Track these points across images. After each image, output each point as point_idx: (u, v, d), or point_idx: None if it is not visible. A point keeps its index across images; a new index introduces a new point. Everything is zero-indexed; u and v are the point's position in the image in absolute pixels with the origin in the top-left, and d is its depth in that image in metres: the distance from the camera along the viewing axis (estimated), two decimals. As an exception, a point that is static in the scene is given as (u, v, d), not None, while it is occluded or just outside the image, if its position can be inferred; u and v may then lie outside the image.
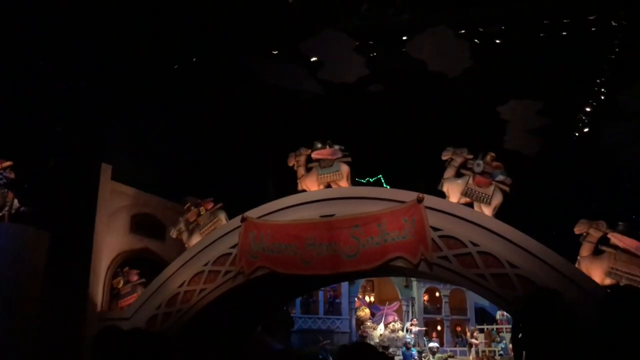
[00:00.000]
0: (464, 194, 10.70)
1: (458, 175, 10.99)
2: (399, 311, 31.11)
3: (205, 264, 12.90)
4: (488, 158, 10.88)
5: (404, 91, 21.83)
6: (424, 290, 32.66)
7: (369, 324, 29.66)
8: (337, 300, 30.32)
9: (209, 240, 13.02)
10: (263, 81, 19.32)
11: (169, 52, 17.11)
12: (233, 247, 12.70)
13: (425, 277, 12.90)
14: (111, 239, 14.43)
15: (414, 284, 32.19)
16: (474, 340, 28.54)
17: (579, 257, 10.23)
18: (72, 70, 14.54)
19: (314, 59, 21.30)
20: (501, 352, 29.18)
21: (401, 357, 26.04)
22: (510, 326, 30.53)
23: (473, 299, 33.62)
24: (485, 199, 10.54)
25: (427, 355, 26.85)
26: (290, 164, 12.86)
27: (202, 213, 13.48)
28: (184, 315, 12.83)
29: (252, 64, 19.47)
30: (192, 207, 13.62)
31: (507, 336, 29.63)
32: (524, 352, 7.36)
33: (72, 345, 12.85)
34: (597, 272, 9.87)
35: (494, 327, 30.66)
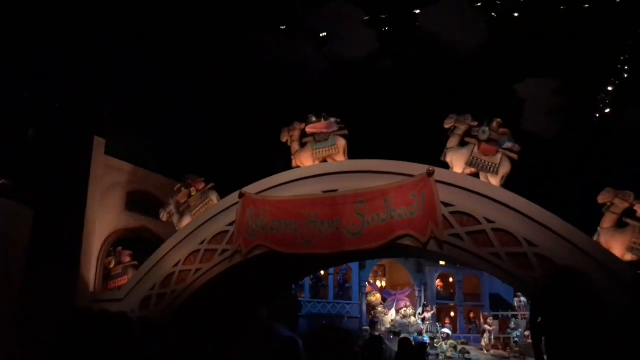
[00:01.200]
0: (469, 163, 10.01)
1: (462, 144, 10.27)
2: (411, 297, 30.46)
3: (202, 243, 12.18)
4: (494, 124, 10.12)
5: (415, 68, 20.87)
6: (437, 275, 31.93)
7: (380, 309, 29.08)
8: (348, 285, 29.73)
9: (205, 218, 12.28)
10: (269, 54, 18.39)
11: (169, 21, 16.25)
12: (230, 224, 11.95)
13: (435, 257, 12.03)
14: (105, 217, 13.73)
15: (427, 269, 31.46)
16: (487, 327, 27.65)
17: (598, 229, 9.33)
18: (63, 35, 13.73)
19: (322, 33, 20.37)
20: (516, 339, 28.32)
21: (413, 344, 25.22)
22: (526, 313, 29.85)
23: (488, 285, 32.84)
24: (492, 168, 9.83)
25: (439, 342, 26.05)
26: (284, 140, 12.07)
27: (193, 194, 12.78)
28: (179, 296, 12.15)
29: (258, 37, 18.61)
30: (183, 188, 12.93)
31: (523, 323, 28.81)
32: (543, 338, 6.51)
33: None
34: (618, 246, 9.00)
35: (510, 313, 29.84)
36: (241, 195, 11.89)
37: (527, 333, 27.90)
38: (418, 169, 10.41)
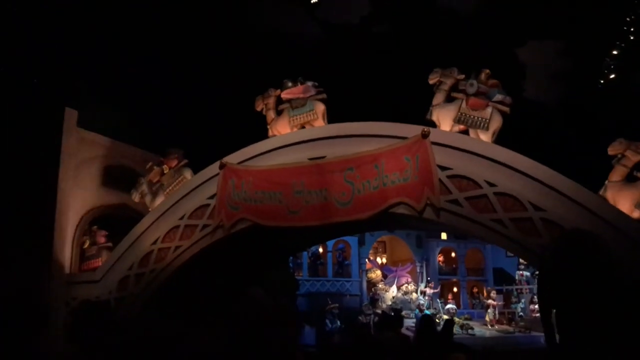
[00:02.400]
0: (457, 120, 9.26)
1: (449, 100, 9.49)
2: (412, 272, 29.73)
3: (181, 218, 11.36)
4: (482, 76, 9.32)
5: (410, 31, 19.80)
6: (438, 250, 31.17)
7: (380, 286, 28.36)
8: (347, 262, 28.97)
9: (185, 191, 11.43)
10: (253, 18, 17.33)
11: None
12: (211, 197, 11.12)
13: (432, 226, 11.19)
14: (80, 193, 12.89)
15: (428, 244, 30.71)
16: (491, 302, 26.99)
17: (606, 182, 8.55)
18: (31, 2, 12.72)
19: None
20: (521, 313, 27.72)
21: (414, 320, 24.55)
22: (530, 287, 29.24)
23: (491, 259, 32.11)
24: (482, 124, 9.11)
25: (441, 317, 25.36)
26: (258, 109, 11.23)
27: (165, 172, 11.98)
28: (158, 276, 11.39)
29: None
30: (155, 167, 12.12)
31: (527, 297, 28.19)
32: (552, 310, 5.65)
33: (38, 309, 11.42)
34: (626, 202, 8.23)
35: (514, 287, 29.20)
36: (222, 166, 11.03)
37: (532, 307, 27.33)
38: (412, 130, 9.51)
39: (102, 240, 12.44)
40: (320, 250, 28.53)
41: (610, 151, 8.57)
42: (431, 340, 7.83)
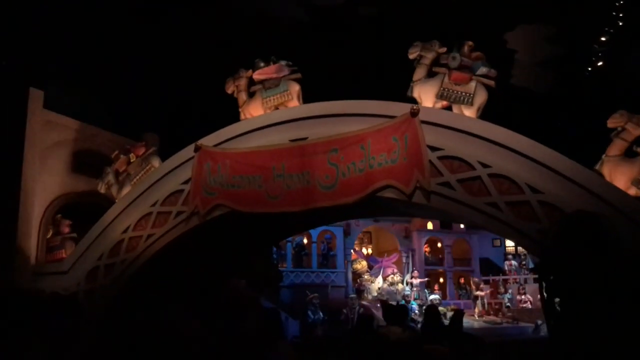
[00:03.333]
0: (440, 96, 8.75)
1: (431, 75, 8.96)
2: (398, 263, 29.29)
3: (153, 205, 10.66)
4: (465, 49, 8.81)
5: (396, 14, 19.14)
6: (425, 240, 30.76)
7: (366, 277, 27.91)
8: (332, 253, 28.46)
9: (157, 176, 10.72)
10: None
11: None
12: (185, 182, 10.44)
13: (420, 213, 10.56)
14: (47, 180, 12.12)
15: (414, 234, 30.28)
16: (479, 292, 26.57)
17: (603, 157, 8.04)
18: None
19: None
20: (508, 304, 27.34)
21: (401, 311, 24.03)
22: (518, 277, 28.91)
23: (478, 249, 31.78)
24: (466, 99, 8.60)
25: (428, 309, 24.86)
26: (229, 91, 10.57)
27: (132, 160, 11.30)
28: (130, 266, 10.69)
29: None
30: (121, 155, 11.45)
31: (514, 287, 27.83)
32: (555, 300, 5.10)
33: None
34: (622, 178, 7.74)
35: (500, 277, 28.84)
36: (197, 149, 10.32)
37: (519, 297, 27.00)
38: (400, 108, 8.87)
39: (66, 230, 11.69)
40: (305, 241, 28.01)
41: (610, 123, 8.01)
42: (439, 331, 7.39)
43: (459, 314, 8.80)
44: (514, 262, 29.57)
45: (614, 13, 25.07)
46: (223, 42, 17.24)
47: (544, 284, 5.60)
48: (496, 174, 8.10)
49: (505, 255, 31.61)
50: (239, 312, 14.91)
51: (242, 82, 10.42)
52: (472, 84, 8.61)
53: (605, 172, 7.86)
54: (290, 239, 26.54)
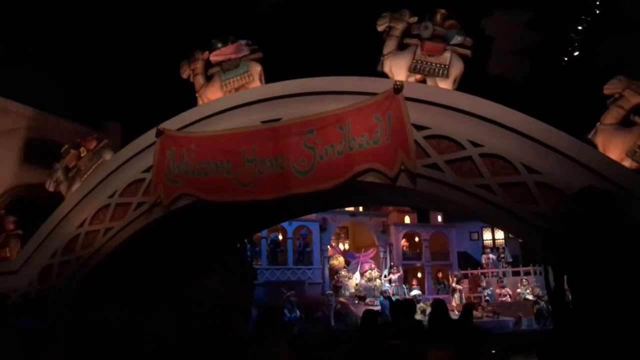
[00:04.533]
0: (413, 69, 8.20)
1: (402, 47, 8.41)
2: (375, 258, 28.60)
3: (112, 196, 9.78)
4: (438, 17, 8.31)
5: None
6: (402, 235, 30.09)
7: (343, 273, 27.09)
8: (308, 249, 27.61)
9: (116, 164, 9.78)
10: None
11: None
12: (147, 170, 9.58)
13: (404, 200, 9.76)
14: (-5, 171, 11.01)
15: (392, 228, 29.63)
16: (457, 286, 26.06)
17: (597, 125, 7.42)
18: None
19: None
20: (487, 298, 26.89)
21: (379, 307, 23.37)
22: (496, 270, 28.54)
23: (455, 243, 31.32)
24: (441, 71, 8.08)
25: (408, 305, 24.23)
26: (185, 76, 9.89)
27: (83, 155, 10.45)
28: (87, 263, 9.79)
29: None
30: (71, 149, 10.58)
31: (493, 281, 27.42)
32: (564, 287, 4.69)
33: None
34: (616, 148, 7.17)
35: (479, 271, 28.42)
36: (159, 133, 9.43)
37: (498, 291, 26.61)
38: (381, 84, 8.14)
39: (10, 227, 10.69)
40: (280, 237, 27.13)
41: (607, 90, 7.45)
42: (447, 326, 6.90)
43: (469, 308, 8.27)
44: (491, 256, 29.24)
45: (588, 6, 24.75)
46: (193, 26, 16.27)
47: (550, 270, 5.05)
48: (488, 153, 7.45)
49: (483, 249, 31.21)
50: (219, 312, 14.10)
51: (199, 65, 9.77)
52: (447, 54, 8.11)
53: (599, 142, 7.31)
54: (264, 234, 25.70)
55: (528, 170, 7.18)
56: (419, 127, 7.80)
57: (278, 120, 8.72)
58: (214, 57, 9.60)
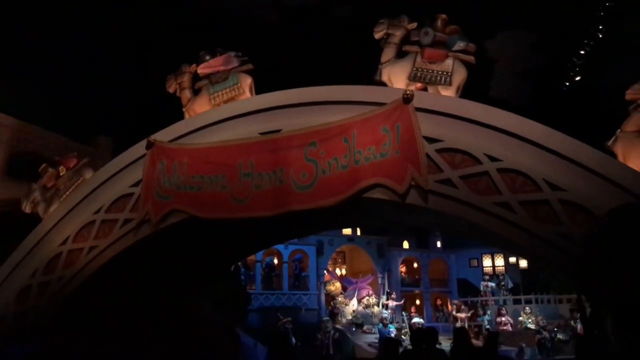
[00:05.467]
0: (413, 77, 7.80)
1: (401, 55, 8.01)
2: (373, 284, 27.86)
3: (97, 212, 9.18)
4: (438, 23, 7.93)
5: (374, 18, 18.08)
6: (401, 260, 29.39)
7: (340, 299, 26.30)
8: (304, 274, 26.92)
9: (102, 178, 9.15)
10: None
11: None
12: (135, 184, 8.97)
13: (413, 219, 9.06)
14: (-26, 185, 10.36)
15: (390, 253, 28.96)
16: (460, 315, 25.30)
17: (617, 132, 6.94)
18: None
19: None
20: (487, 326, 26.12)
21: (377, 335, 22.54)
22: (495, 298, 27.78)
23: (455, 269, 30.65)
24: (443, 78, 7.70)
25: (406, 332, 23.43)
26: (171, 90, 9.48)
27: (62, 174, 9.91)
28: (69, 284, 9.14)
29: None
30: (49, 168, 10.03)
31: (493, 309, 26.65)
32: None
33: None
34: (639, 156, 6.65)
35: (479, 299, 27.69)
36: (149, 145, 8.83)
37: (498, 319, 25.85)
38: (390, 93, 7.61)
39: (-17, 244, 10.01)
40: (275, 261, 26.46)
41: (629, 95, 6.99)
42: (472, 356, 6.57)
43: (494, 337, 7.78)
44: (490, 284, 28.52)
45: (592, 30, 24.51)
46: (189, 41, 15.81)
47: (583, 299, 4.36)
48: (507, 168, 6.90)
49: (483, 276, 30.54)
50: (211, 339, 13.35)
51: (186, 78, 9.36)
52: (449, 61, 7.73)
53: (619, 150, 6.83)
54: (259, 258, 24.99)
55: (551, 187, 6.60)
56: (431, 140, 7.27)
57: (278, 131, 8.17)
58: (202, 70, 9.21)
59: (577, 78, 26.77)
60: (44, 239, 9.30)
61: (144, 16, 14.46)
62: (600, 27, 24.50)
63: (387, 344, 6.56)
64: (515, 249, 7.29)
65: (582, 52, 25.63)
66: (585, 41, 24.91)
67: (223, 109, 8.62)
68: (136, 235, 8.71)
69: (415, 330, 6.77)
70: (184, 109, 9.34)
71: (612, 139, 6.94)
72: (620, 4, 22.22)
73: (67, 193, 9.58)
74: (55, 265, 9.15)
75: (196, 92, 9.33)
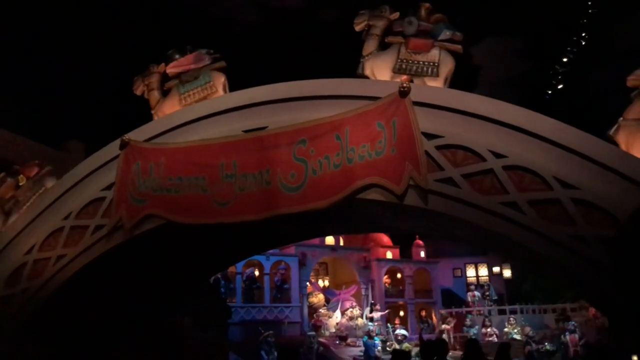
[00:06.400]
0: (398, 69, 7.49)
1: (384, 47, 7.70)
2: (357, 296, 27.13)
3: (66, 218, 8.55)
4: (422, 11, 7.67)
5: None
6: (385, 270, 28.76)
7: (323, 311, 25.57)
8: (286, 286, 26.06)
9: (72, 181, 8.43)
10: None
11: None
12: (107, 188, 8.31)
13: (409, 224, 8.43)
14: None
15: (374, 264, 28.31)
16: (446, 326, 24.78)
17: (619, 120, 6.66)
18: None
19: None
20: (474, 337, 25.63)
21: (362, 348, 21.91)
22: (482, 309, 27.35)
23: (439, 279, 30.12)
24: (429, 69, 7.42)
25: (392, 344, 22.83)
26: (138, 92, 9.03)
27: (21, 184, 9.28)
28: (34, 298, 8.45)
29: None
30: (8, 178, 9.39)
31: (479, 319, 26.21)
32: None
33: None
34: None
35: (464, 310, 27.21)
36: (123, 145, 8.21)
37: (484, 331, 25.38)
38: (384, 87, 7.14)
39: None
40: (257, 272, 25.60)
41: (630, 82, 6.71)
42: None
43: (505, 348, 7.35)
44: (476, 293, 28.08)
45: (575, 37, 24.45)
46: (167, 43, 15.20)
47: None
48: (513, 165, 6.45)
49: (468, 286, 30.10)
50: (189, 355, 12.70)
51: (154, 79, 8.95)
52: (435, 51, 7.47)
53: (621, 139, 6.54)
54: (239, 270, 24.19)
55: (562, 185, 6.14)
56: (430, 136, 6.80)
57: (263, 128, 7.63)
58: (171, 69, 8.85)
59: (560, 86, 26.74)
60: (7, 247, 8.62)
61: (120, 17, 13.85)
62: (584, 35, 24.42)
63: (397, 356, 6.10)
64: (523, 253, 6.77)
65: (565, 59, 25.59)
66: (569, 48, 24.84)
67: (203, 105, 8.02)
68: (108, 243, 8.05)
69: (425, 343, 6.36)
70: (152, 111, 8.86)
71: (614, 127, 6.61)
72: (604, 10, 22.10)
73: (28, 204, 8.94)
74: (19, 277, 8.50)
75: (165, 93, 8.91)
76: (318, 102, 7.37)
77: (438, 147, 6.68)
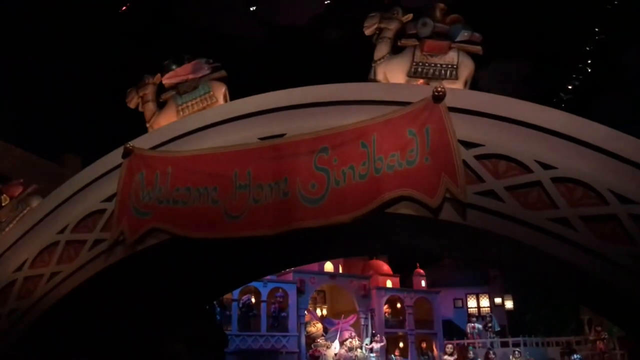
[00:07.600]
0: (413, 73, 7.11)
1: (396, 50, 7.34)
2: (356, 325, 26.29)
3: (61, 231, 7.92)
4: (437, 12, 7.29)
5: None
6: (385, 300, 27.95)
7: (321, 341, 24.70)
8: (283, 314, 25.27)
9: (68, 192, 7.78)
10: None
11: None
12: (108, 199, 7.69)
13: (441, 243, 7.66)
14: None
15: (374, 292, 27.52)
16: (449, 358, 24.00)
17: None
18: None
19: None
20: (476, 372, 24.86)
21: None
22: (483, 341, 26.59)
23: (440, 310, 29.31)
24: (448, 72, 7.04)
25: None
26: (133, 105, 8.55)
27: (4, 204, 8.96)
28: (24, 318, 7.76)
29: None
30: None
31: (481, 352, 25.45)
32: None
33: None
34: None
35: (465, 341, 26.49)
36: (127, 153, 7.58)
37: (488, 361, 24.61)
38: (417, 92, 6.60)
39: None
40: (253, 299, 24.79)
41: None
42: None
43: None
44: (477, 325, 27.39)
45: (581, 64, 24.28)
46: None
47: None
48: (563, 177, 5.88)
49: (469, 317, 29.32)
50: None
51: (149, 91, 8.52)
52: (453, 53, 7.11)
53: None
54: (236, 297, 23.39)
55: (619, 200, 5.56)
56: (468, 145, 6.25)
57: (281, 136, 7.05)
58: (168, 80, 8.44)
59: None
60: (-5, 264, 7.84)
61: (127, 33, 13.45)
62: (590, 62, 24.21)
63: None
64: (571, 275, 6.09)
65: (570, 87, 25.37)
66: (574, 75, 24.62)
67: (215, 111, 7.44)
68: (107, 260, 7.39)
69: None
70: (147, 124, 8.34)
71: None
72: (610, 37, 21.88)
73: (11, 225, 8.35)
74: (8, 295, 7.84)
75: (161, 105, 8.43)
76: (340, 108, 6.84)
77: (477, 157, 6.10)
